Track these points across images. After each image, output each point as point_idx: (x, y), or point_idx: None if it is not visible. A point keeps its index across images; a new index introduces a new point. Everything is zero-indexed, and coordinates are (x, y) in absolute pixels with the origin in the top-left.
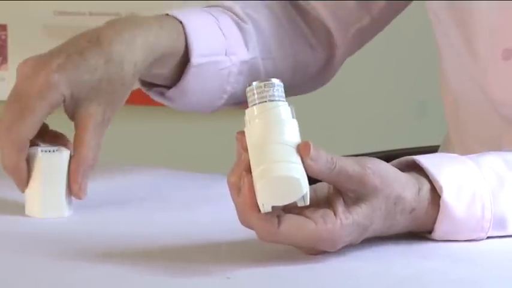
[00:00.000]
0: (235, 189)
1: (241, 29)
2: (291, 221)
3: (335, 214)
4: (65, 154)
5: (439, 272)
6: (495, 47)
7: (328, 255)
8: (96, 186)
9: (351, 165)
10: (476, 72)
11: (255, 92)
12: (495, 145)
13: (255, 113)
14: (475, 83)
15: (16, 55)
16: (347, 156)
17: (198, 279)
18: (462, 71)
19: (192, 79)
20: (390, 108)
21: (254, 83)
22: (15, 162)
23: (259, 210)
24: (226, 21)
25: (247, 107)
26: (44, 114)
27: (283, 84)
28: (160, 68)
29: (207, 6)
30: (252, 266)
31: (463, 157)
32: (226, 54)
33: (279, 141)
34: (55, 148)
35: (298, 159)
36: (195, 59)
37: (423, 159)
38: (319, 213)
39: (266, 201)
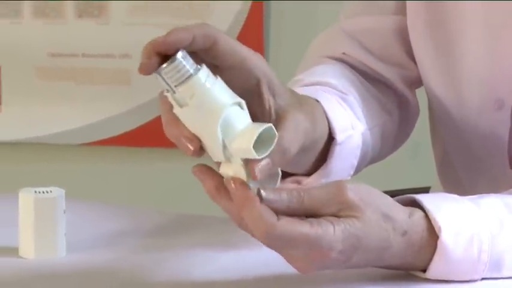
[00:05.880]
0: (220, 197)
1: (347, 102)
2: (288, 218)
3: (327, 220)
4: (58, 194)
5: None
6: (487, 97)
7: None
8: (91, 226)
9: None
10: (465, 122)
11: (170, 75)
12: (490, 190)
13: (183, 96)
14: (464, 133)
15: (9, 97)
16: None
17: None
18: (448, 120)
19: (337, 158)
20: None
21: (163, 65)
22: None
23: (256, 202)
24: (333, 95)
25: None
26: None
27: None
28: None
29: (305, 85)
30: None
31: (463, 198)
32: (353, 128)
33: (225, 108)
34: (49, 189)
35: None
36: (339, 135)
37: (422, 198)
38: (312, 219)
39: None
